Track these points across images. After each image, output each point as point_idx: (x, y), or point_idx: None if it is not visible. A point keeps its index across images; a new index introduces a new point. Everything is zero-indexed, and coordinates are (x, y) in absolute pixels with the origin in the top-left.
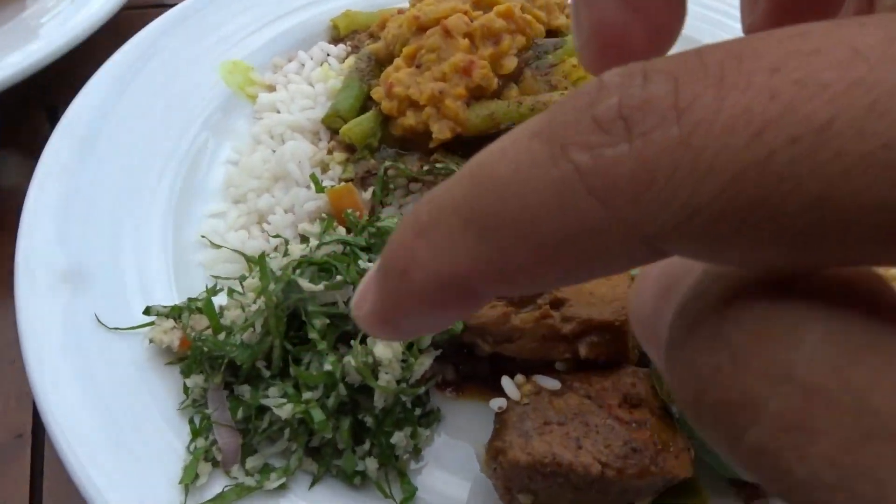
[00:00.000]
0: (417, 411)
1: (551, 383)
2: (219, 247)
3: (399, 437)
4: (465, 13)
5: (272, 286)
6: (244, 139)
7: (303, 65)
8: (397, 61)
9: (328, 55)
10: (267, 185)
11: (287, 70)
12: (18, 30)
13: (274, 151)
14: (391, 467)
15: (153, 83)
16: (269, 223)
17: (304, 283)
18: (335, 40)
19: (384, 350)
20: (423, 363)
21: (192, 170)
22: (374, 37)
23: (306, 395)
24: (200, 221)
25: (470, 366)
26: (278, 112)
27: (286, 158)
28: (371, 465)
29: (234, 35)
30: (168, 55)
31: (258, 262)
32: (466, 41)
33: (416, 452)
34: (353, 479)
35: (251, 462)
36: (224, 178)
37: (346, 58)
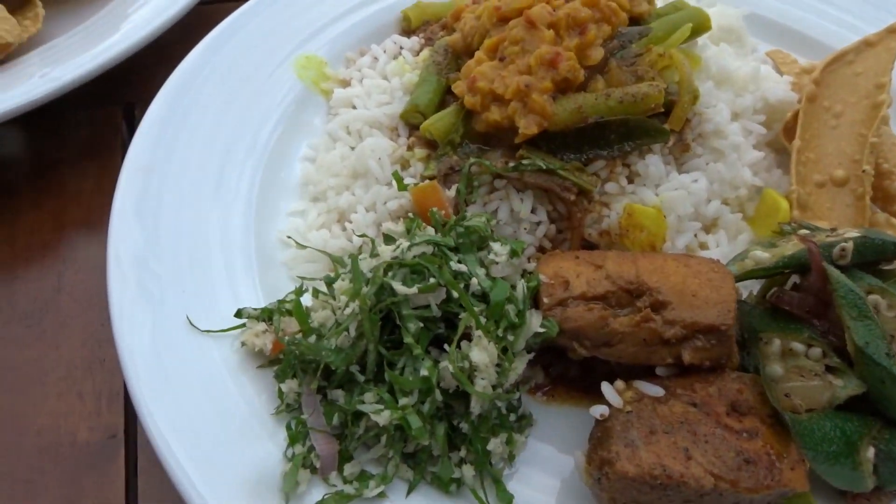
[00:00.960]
0: (511, 416)
1: (654, 390)
2: (304, 247)
3: (495, 444)
4: (548, 2)
5: (365, 289)
6: (320, 136)
7: (376, 58)
8: (478, 54)
9: (402, 48)
10: (346, 183)
11: (361, 64)
12: (95, 27)
13: (352, 148)
14: (487, 474)
15: (228, 81)
16: (350, 222)
17: (398, 286)
18: (407, 32)
19: (480, 355)
20: (518, 367)
21: (270, 168)
22: (447, 28)
23: (403, 400)
24: (281, 220)
25: (559, 368)
26: (354, 108)
27: (366, 155)
28: (467, 472)
29: (305, 29)
30: (241, 52)
31: (352, 264)
32: (551, 32)
33: (511, 458)
34: (449, 487)
35: (349, 469)
36: (301, 175)
37: (420, 50)
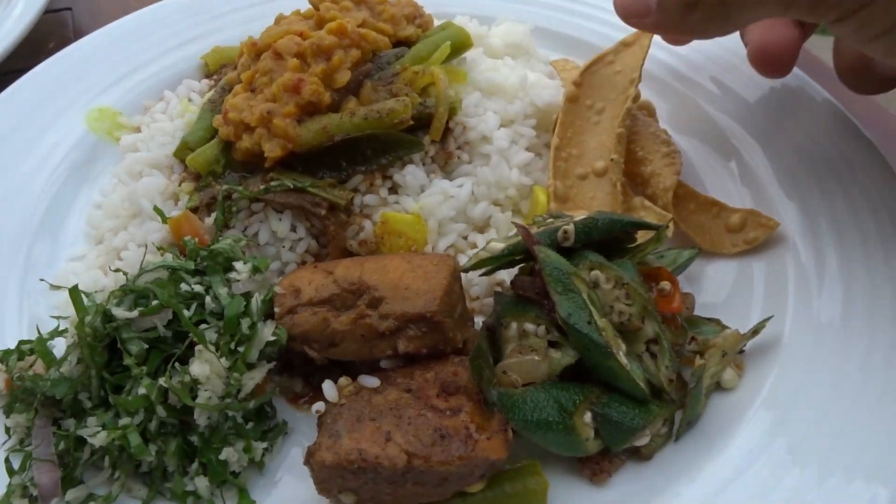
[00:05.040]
0: (252, 425)
1: (371, 381)
2: (58, 288)
3: (229, 453)
4: (301, 34)
5: (88, 318)
6: (108, 181)
7: (168, 103)
8: (236, 87)
9: (192, 91)
10: (125, 223)
11: (154, 111)
12: None
13: None
14: (230, 484)
15: (16, 144)
16: (121, 259)
17: (118, 311)
18: (207, 76)
19: (201, 367)
20: (254, 377)
21: (53, 217)
22: (236, 69)
23: (123, 420)
24: (59, 266)
25: (320, 376)
26: (138, 151)
27: (139, 194)
28: (201, 483)
29: (99, 83)
30: (30, 113)
31: (71, 295)
32: (296, 60)
33: (260, 466)
34: (185, 501)
35: (72, 494)
36: (86, 221)
37: (208, 91)
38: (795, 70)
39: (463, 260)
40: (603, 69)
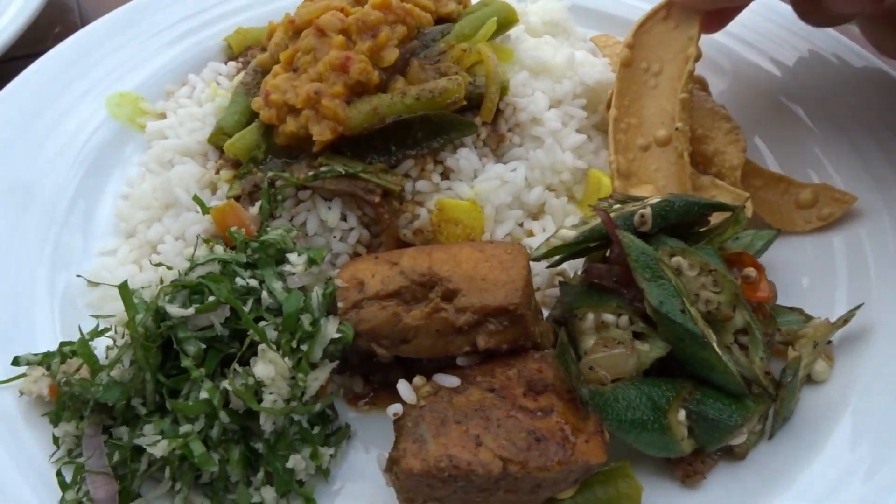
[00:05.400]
0: (318, 430)
1: (450, 381)
2: (97, 284)
3: (296, 460)
4: (342, 10)
5: (139, 316)
6: (135, 170)
7: (194, 88)
8: (275, 68)
9: (219, 74)
10: (158, 215)
11: (179, 95)
12: None
13: None
14: (295, 494)
15: (36, 129)
16: (158, 253)
17: (173, 309)
18: (230, 59)
19: (266, 368)
20: (318, 377)
21: (78, 208)
22: (265, 50)
23: (184, 428)
24: (91, 261)
25: (381, 374)
26: (166, 138)
27: (173, 184)
28: (268, 494)
29: (119, 67)
30: (49, 98)
31: (121, 293)
32: (341, 38)
33: (325, 473)
34: None
35: None
36: (115, 213)
37: (237, 75)
38: (853, 46)
39: None
40: (656, 27)
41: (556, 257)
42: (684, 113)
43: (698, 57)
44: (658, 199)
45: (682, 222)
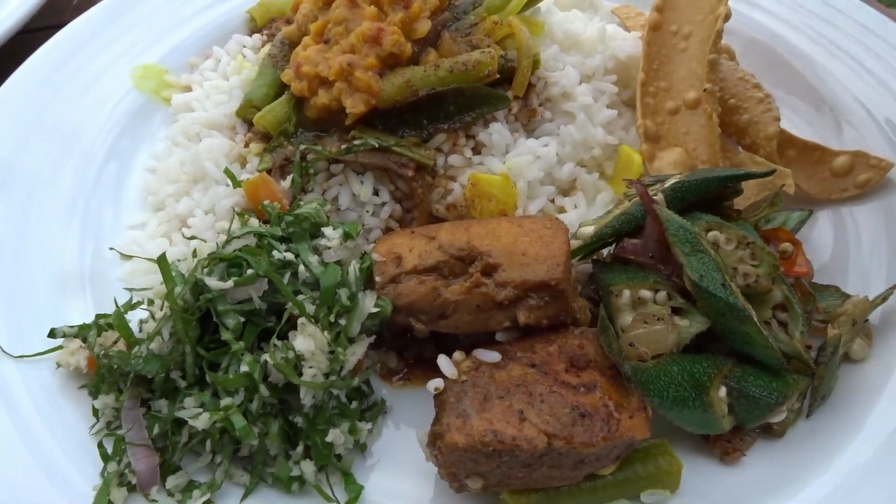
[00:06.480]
0: (355, 405)
1: (491, 356)
2: (130, 257)
3: (335, 435)
4: None
5: (178, 289)
6: (162, 144)
7: (219, 60)
8: (305, 40)
9: (244, 47)
10: (186, 188)
11: (203, 68)
12: None
13: None
14: (333, 468)
15: (60, 101)
16: (189, 227)
17: (212, 282)
18: (253, 32)
19: (305, 342)
20: (355, 352)
21: (106, 182)
22: (290, 22)
23: (224, 401)
24: (121, 234)
25: (415, 350)
26: (193, 111)
27: (202, 157)
28: (307, 468)
29: (142, 39)
30: (73, 69)
31: (160, 265)
32: (373, 9)
33: (362, 448)
34: (290, 486)
35: (172, 481)
36: (142, 186)
37: (262, 47)
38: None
39: None
40: None
41: (580, 256)
42: (713, 73)
43: (728, 16)
44: (675, 180)
45: (707, 198)
